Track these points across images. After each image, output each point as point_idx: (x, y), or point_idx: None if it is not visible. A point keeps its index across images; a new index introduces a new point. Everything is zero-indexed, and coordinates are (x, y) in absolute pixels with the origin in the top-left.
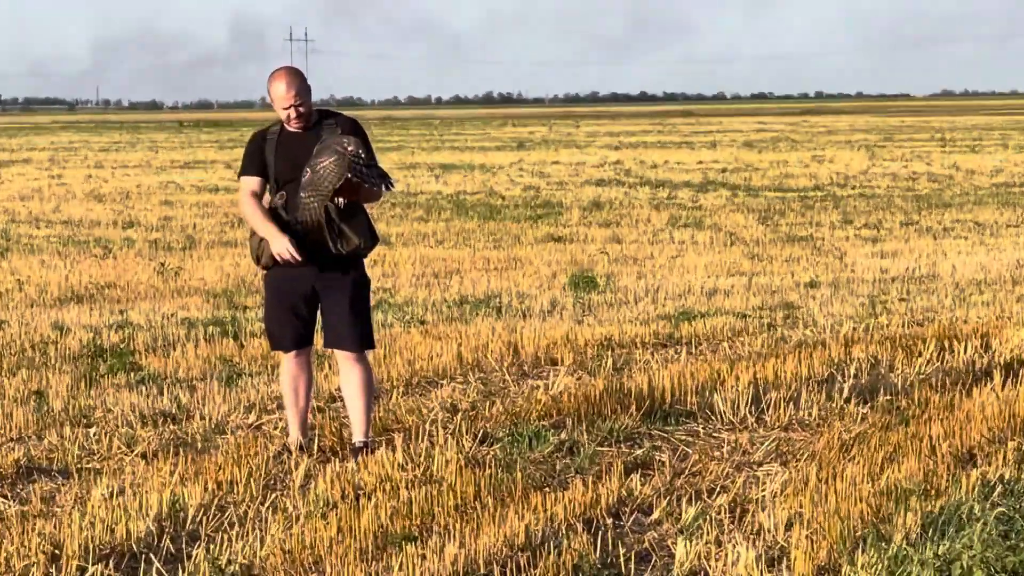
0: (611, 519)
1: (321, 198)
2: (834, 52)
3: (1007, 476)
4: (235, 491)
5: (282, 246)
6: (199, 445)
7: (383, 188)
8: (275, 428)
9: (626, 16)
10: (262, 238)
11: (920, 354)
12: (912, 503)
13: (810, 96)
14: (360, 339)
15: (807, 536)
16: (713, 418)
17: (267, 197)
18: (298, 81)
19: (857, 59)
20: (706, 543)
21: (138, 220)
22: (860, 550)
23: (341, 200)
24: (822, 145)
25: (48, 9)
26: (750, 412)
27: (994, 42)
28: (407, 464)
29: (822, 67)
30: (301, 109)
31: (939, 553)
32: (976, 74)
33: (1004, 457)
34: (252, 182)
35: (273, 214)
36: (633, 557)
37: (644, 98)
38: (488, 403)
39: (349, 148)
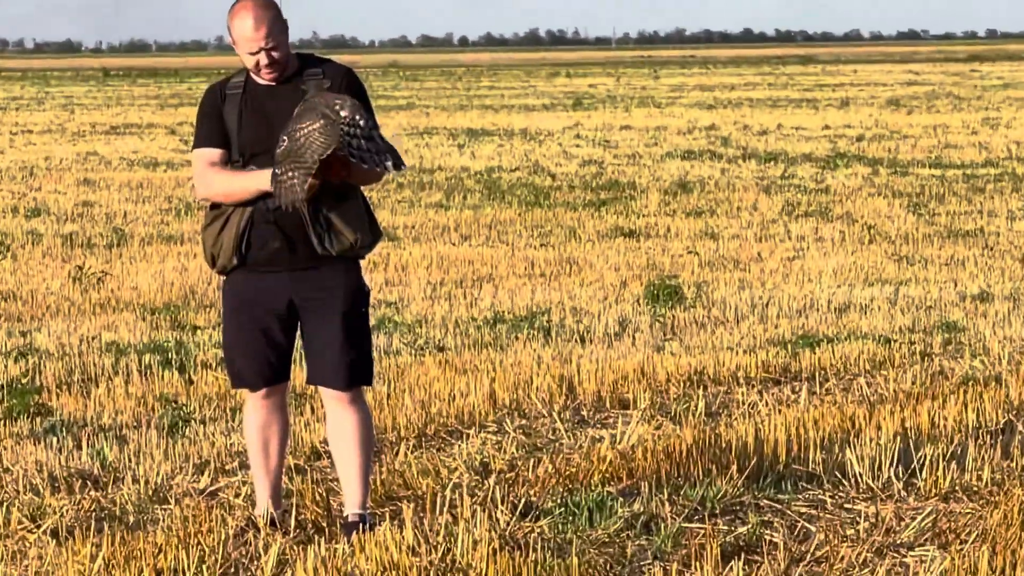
0: None
1: (304, 172)
2: None
3: None
4: None
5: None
6: (131, 519)
7: (387, 168)
8: (237, 495)
9: None
10: (222, 229)
11: None
12: None
13: (980, 36)
14: (354, 373)
15: None
16: (845, 483)
17: None
18: (270, 15)
19: None
20: None
21: (47, 206)
22: None
23: (313, 184)
24: (996, 104)
25: None
26: (896, 475)
27: None
28: (420, 546)
29: None
30: (274, 54)
31: None
32: None
33: None
34: (210, 155)
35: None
36: None
37: (749, 38)
38: (532, 461)
39: (343, 113)
